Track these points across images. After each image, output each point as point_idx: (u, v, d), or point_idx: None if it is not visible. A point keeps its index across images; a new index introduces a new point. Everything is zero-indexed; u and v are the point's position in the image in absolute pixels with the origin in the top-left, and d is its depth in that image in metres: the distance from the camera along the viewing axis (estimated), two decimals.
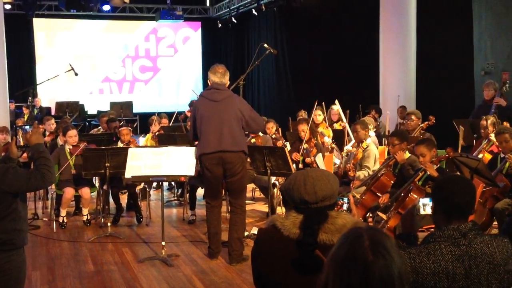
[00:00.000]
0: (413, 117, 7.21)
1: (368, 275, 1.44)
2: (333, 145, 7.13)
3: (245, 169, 5.19)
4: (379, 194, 5.30)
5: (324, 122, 8.17)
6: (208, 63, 18.79)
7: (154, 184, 8.39)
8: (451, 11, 10.27)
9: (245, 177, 5.24)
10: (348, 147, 6.79)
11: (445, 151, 4.94)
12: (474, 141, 7.00)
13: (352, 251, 1.48)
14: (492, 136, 5.94)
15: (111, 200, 6.74)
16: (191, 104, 5.10)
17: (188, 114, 5.14)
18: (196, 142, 5.34)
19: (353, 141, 6.78)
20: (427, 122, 7.28)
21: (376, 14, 10.20)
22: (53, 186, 6.58)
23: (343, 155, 6.82)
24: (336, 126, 8.53)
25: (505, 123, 6.32)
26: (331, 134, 7.93)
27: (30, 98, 12.17)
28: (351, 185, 5.93)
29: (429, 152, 4.83)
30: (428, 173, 4.81)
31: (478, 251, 2.09)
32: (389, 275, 1.44)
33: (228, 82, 5.20)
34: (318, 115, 8.13)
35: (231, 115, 4.98)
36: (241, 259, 5.12)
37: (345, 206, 2.34)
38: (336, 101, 8.28)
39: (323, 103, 8.22)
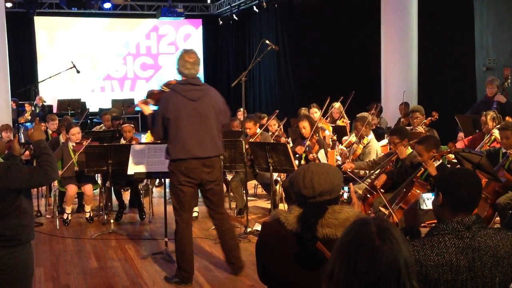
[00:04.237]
0: (417, 114, 7.20)
1: (375, 259, 1.45)
2: (334, 138, 7.17)
3: (221, 172, 4.89)
4: (382, 190, 5.30)
5: (322, 118, 8.21)
6: (209, 61, 18.84)
7: (157, 181, 8.41)
8: (453, 7, 10.26)
9: (221, 181, 4.85)
10: (341, 147, 6.81)
11: (447, 146, 4.94)
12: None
13: (359, 236, 1.49)
14: (496, 132, 5.94)
15: (113, 197, 6.75)
16: (149, 95, 4.51)
17: (142, 107, 4.47)
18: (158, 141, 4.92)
19: (348, 140, 6.80)
20: (430, 118, 7.28)
21: (377, 10, 10.18)
22: (56, 183, 6.61)
23: (338, 153, 6.85)
24: (339, 122, 8.58)
25: (508, 118, 6.31)
26: (331, 129, 8.00)
27: (33, 97, 12.21)
28: (343, 168, 5.81)
29: (427, 153, 4.85)
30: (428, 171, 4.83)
31: (482, 244, 2.10)
32: (395, 259, 1.46)
33: (199, 70, 4.61)
34: (315, 112, 8.24)
35: (210, 115, 4.47)
36: (243, 265, 4.80)
37: (345, 195, 2.35)
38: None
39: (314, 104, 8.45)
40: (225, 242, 4.73)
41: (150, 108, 4.71)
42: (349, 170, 5.77)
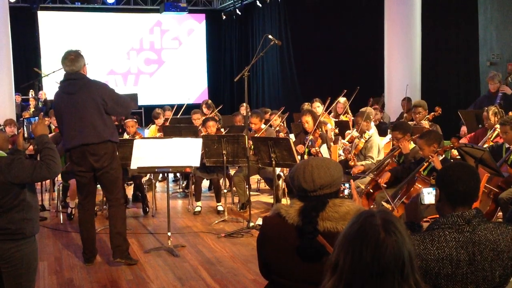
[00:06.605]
0: (420, 109, 7.18)
1: (380, 251, 1.47)
2: (336, 131, 7.19)
3: (115, 160, 4.90)
4: (384, 185, 5.31)
5: (324, 112, 8.22)
6: (212, 55, 18.83)
7: (160, 176, 8.42)
8: (456, 1, 10.23)
9: (116, 168, 4.91)
10: (344, 141, 6.82)
11: (450, 141, 4.94)
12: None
13: (364, 228, 1.51)
14: (498, 127, 5.93)
15: None
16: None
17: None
18: None
19: (350, 135, 6.81)
20: (433, 113, 7.26)
21: (381, 5, 10.16)
22: (60, 177, 6.63)
23: (341, 147, 6.86)
24: (343, 117, 8.59)
25: (511, 113, 6.30)
26: (333, 123, 8.02)
27: (33, 93, 12.21)
28: (352, 172, 5.92)
29: (428, 147, 4.85)
30: (433, 164, 4.82)
31: (482, 237, 2.11)
32: (400, 252, 1.48)
33: (83, 66, 4.84)
34: (317, 107, 8.26)
35: (89, 105, 4.70)
36: (126, 255, 4.91)
37: (346, 191, 2.37)
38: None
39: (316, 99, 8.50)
40: (109, 227, 4.97)
41: None
42: (356, 172, 5.84)
